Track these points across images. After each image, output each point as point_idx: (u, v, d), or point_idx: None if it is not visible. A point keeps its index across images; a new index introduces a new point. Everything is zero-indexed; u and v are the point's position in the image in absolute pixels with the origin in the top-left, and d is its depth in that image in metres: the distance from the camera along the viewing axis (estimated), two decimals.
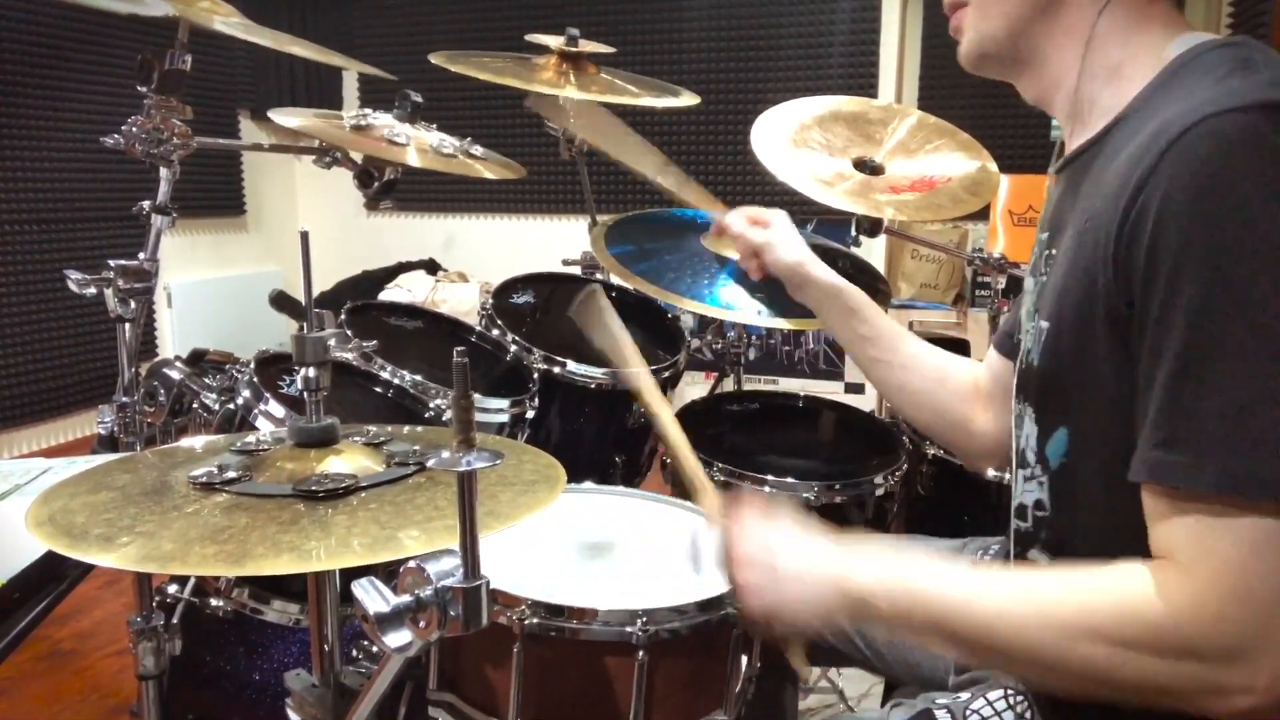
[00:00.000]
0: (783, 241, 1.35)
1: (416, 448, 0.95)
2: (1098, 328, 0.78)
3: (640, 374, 1.23)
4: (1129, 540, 0.78)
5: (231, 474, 0.86)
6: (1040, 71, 0.93)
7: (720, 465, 1.60)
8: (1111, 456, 0.79)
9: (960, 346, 1.94)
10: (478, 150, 1.80)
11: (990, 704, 0.95)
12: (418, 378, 1.52)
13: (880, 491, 1.61)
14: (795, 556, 0.89)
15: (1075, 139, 0.92)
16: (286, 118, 1.65)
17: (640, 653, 0.98)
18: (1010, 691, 0.95)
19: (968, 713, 0.95)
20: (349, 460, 0.90)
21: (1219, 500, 0.69)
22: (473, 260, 4.79)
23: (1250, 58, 0.77)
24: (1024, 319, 0.95)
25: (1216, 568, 0.70)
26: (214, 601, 1.36)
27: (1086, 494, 0.85)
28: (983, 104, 3.95)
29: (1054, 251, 0.90)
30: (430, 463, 0.83)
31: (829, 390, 4.16)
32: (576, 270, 2.13)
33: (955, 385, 1.23)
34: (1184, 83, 0.79)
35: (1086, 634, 0.74)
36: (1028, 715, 0.93)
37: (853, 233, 1.87)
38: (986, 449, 1.21)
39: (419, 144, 1.67)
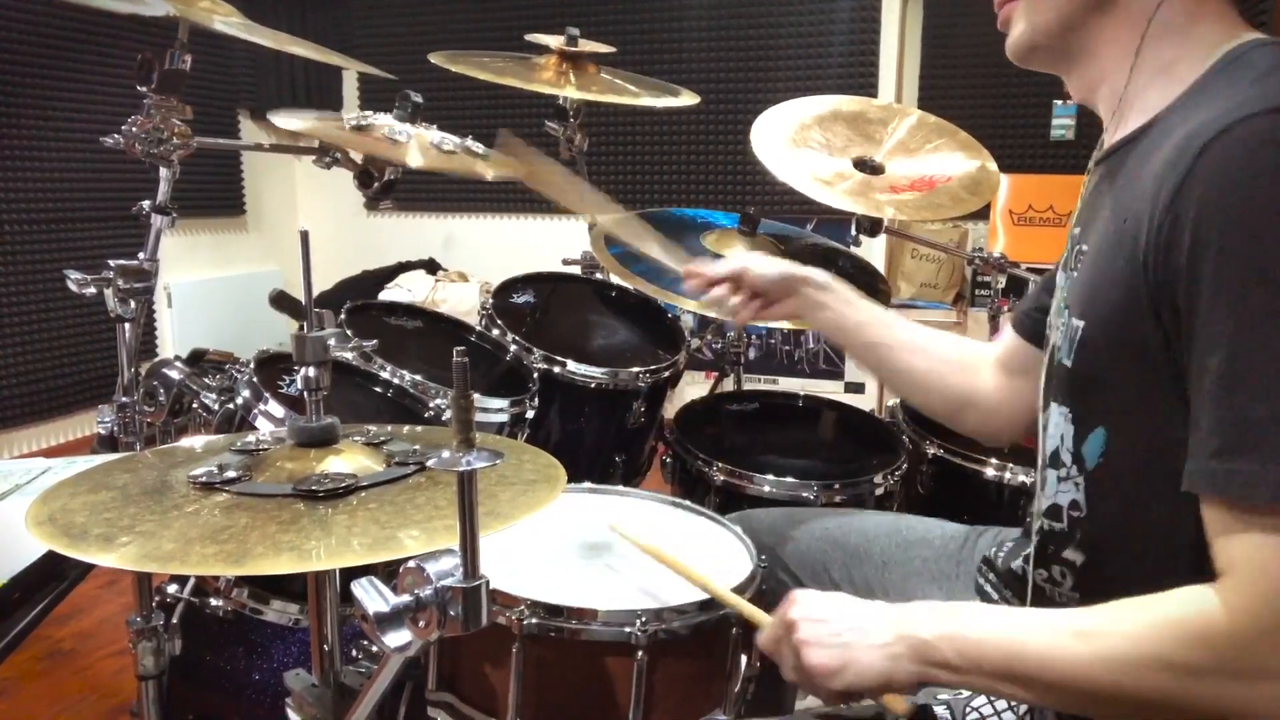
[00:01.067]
0: (757, 260, 1.31)
1: (416, 447, 0.95)
2: (1141, 330, 0.78)
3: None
4: (1167, 539, 0.78)
5: (231, 474, 0.86)
6: (1089, 66, 0.92)
7: (720, 465, 1.60)
8: (1151, 456, 0.78)
9: None
10: (478, 148, 1.79)
11: (990, 701, 0.95)
12: (417, 377, 1.52)
13: (880, 491, 1.62)
14: (854, 618, 0.88)
15: (1115, 134, 0.91)
16: (288, 120, 1.64)
17: (640, 653, 0.98)
18: None
19: (967, 710, 0.95)
20: (349, 460, 0.90)
21: (1277, 512, 0.68)
22: (473, 260, 4.79)
23: None
24: (1053, 314, 0.94)
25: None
26: (214, 601, 1.36)
27: (1124, 494, 0.85)
28: (983, 104, 3.95)
29: (1085, 247, 0.90)
30: (430, 462, 0.83)
31: (829, 390, 4.16)
32: (576, 270, 2.13)
33: (959, 363, 1.22)
34: (1224, 82, 0.79)
35: (1152, 665, 0.73)
36: (1028, 714, 0.93)
37: (853, 232, 1.87)
38: (999, 424, 1.20)
39: (420, 141, 1.67)
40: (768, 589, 1.22)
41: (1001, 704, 0.94)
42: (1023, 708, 0.93)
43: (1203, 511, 0.74)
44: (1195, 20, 0.85)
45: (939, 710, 0.96)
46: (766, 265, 1.30)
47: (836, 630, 0.87)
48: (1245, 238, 0.69)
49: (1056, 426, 0.91)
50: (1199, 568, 0.75)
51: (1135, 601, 0.76)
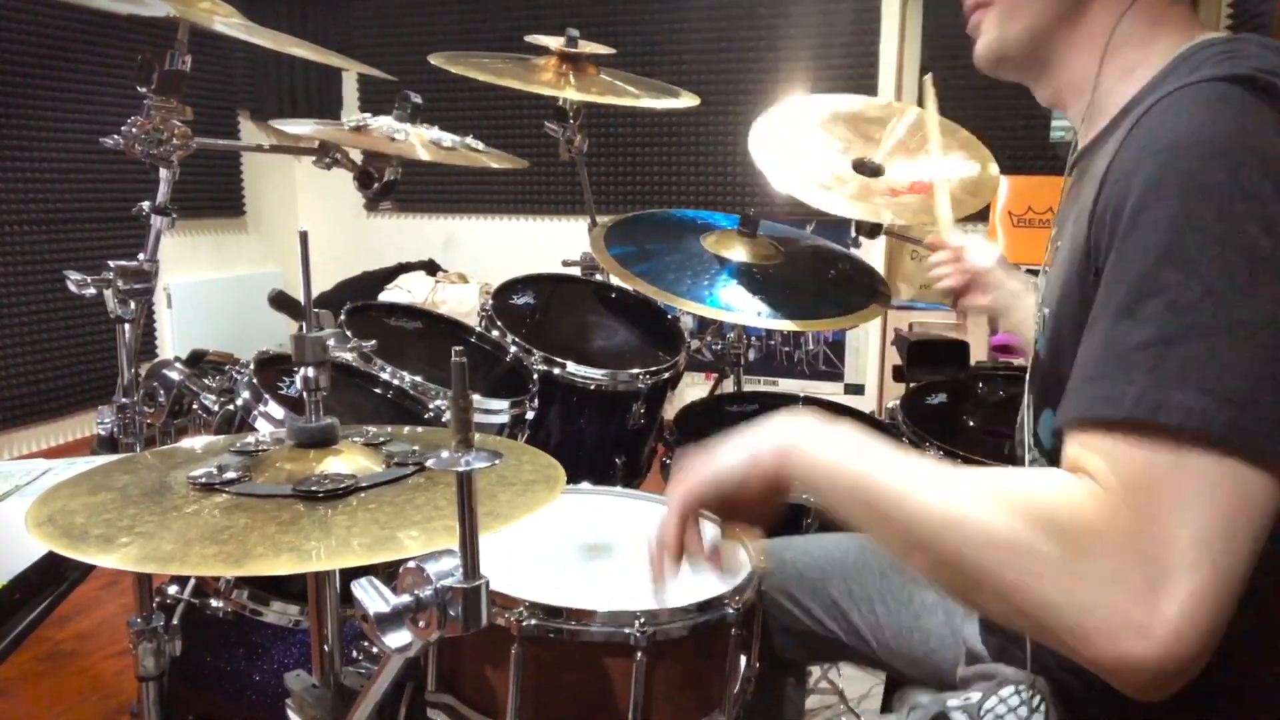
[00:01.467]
0: (977, 244, 1.51)
1: (416, 448, 0.95)
2: (1085, 309, 0.78)
3: None
4: None
5: (231, 474, 0.87)
6: (1057, 74, 0.94)
7: None
8: None
9: (960, 348, 1.94)
10: (477, 145, 1.80)
11: (1003, 700, 0.95)
12: (417, 378, 1.52)
13: None
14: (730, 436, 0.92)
15: (1085, 137, 0.94)
16: (289, 127, 1.65)
17: (639, 654, 0.98)
18: (1022, 687, 0.95)
19: (982, 712, 0.95)
20: (348, 461, 0.90)
21: (1138, 426, 0.67)
22: (472, 261, 4.79)
23: (1238, 50, 0.78)
24: (1035, 312, 0.97)
25: (1132, 488, 0.66)
26: (214, 602, 1.36)
27: None
28: (982, 104, 3.94)
29: (1059, 245, 0.93)
30: (430, 463, 0.83)
31: (828, 391, 4.17)
32: (576, 271, 2.13)
33: None
34: (1174, 75, 0.81)
35: (1002, 500, 0.70)
36: (1041, 708, 0.93)
37: (852, 234, 1.87)
38: None
39: (420, 139, 1.67)
40: (768, 600, 1.22)
41: (1015, 701, 0.94)
42: (1036, 702, 0.93)
43: (1065, 443, 0.73)
44: (1156, 27, 0.87)
45: (955, 716, 0.97)
46: (980, 254, 1.50)
47: (710, 449, 0.93)
48: (1154, 190, 0.70)
49: (1022, 414, 0.95)
50: None
51: (1008, 471, 0.76)
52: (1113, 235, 0.73)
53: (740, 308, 1.70)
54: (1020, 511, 0.70)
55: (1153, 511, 0.65)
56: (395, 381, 1.52)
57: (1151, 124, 0.74)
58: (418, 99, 1.73)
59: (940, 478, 0.76)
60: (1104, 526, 0.66)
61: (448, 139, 1.71)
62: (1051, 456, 0.89)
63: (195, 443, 1.06)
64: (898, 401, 1.86)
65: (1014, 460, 1.56)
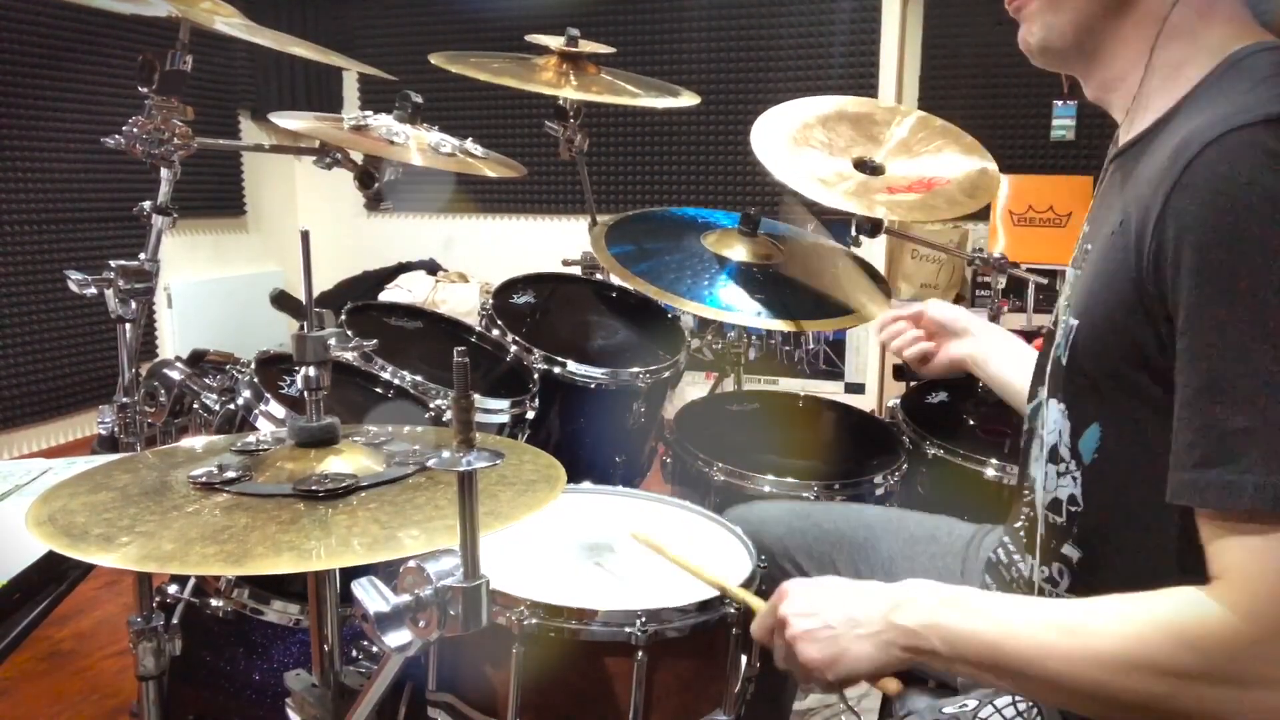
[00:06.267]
0: (935, 303, 1.41)
1: (416, 448, 0.95)
2: (1135, 332, 0.79)
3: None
4: (1159, 536, 0.79)
5: (232, 474, 0.86)
6: (1106, 66, 0.93)
7: (720, 465, 1.60)
8: (1144, 453, 0.79)
9: None
10: (477, 150, 1.80)
11: (999, 711, 0.95)
12: (418, 378, 1.52)
13: (880, 491, 1.61)
14: (845, 609, 0.89)
15: (1127, 134, 0.92)
16: (287, 120, 1.65)
17: (639, 653, 0.99)
18: (1018, 698, 0.95)
19: None
20: (349, 460, 0.90)
21: (1261, 518, 0.69)
22: (473, 260, 4.79)
23: None
24: (1059, 309, 0.96)
25: (1271, 584, 0.69)
26: (214, 602, 1.36)
27: (1120, 489, 0.86)
28: (983, 104, 3.94)
29: (1089, 247, 0.92)
30: (430, 462, 0.83)
31: (829, 390, 4.16)
32: (576, 270, 2.13)
33: None
34: (1223, 87, 0.80)
35: (1139, 666, 0.73)
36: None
37: (853, 232, 1.87)
38: None
39: (419, 143, 1.67)
40: (767, 588, 1.22)
41: (1010, 712, 0.94)
42: (1032, 714, 0.93)
43: (1196, 520, 0.75)
44: (1206, 22, 0.85)
45: None
46: (942, 308, 1.40)
47: (828, 622, 0.89)
48: (1223, 253, 0.70)
49: (1055, 422, 0.93)
50: (1189, 566, 0.75)
51: (1126, 599, 0.76)
52: (1178, 293, 0.73)
53: (740, 307, 1.70)
54: (1172, 663, 0.72)
55: None
56: (396, 381, 1.52)
57: (1206, 173, 0.72)
58: (418, 98, 1.73)
59: (1075, 642, 0.76)
60: (1255, 634, 0.69)
61: (447, 145, 1.71)
62: (1089, 471, 0.89)
63: (196, 442, 1.06)
64: (898, 400, 1.86)
65: (1015, 459, 1.56)
